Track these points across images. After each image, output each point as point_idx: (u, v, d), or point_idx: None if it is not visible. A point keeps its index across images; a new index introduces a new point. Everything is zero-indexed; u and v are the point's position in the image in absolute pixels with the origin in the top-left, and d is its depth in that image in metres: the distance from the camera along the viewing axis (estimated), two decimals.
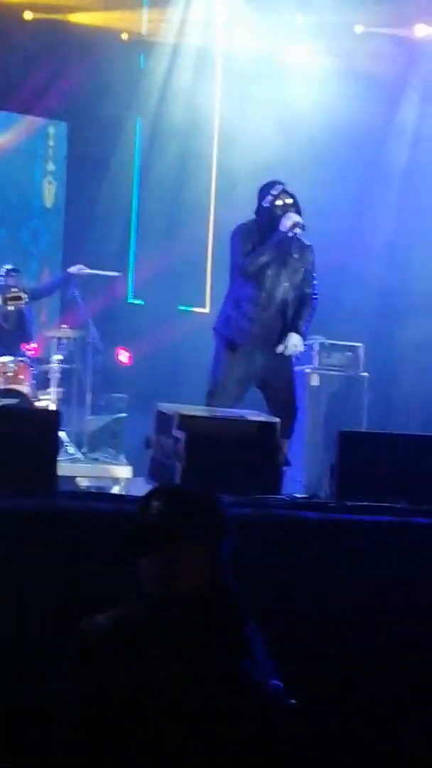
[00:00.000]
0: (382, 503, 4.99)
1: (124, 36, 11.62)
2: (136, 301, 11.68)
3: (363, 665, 4.41)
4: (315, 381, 9.01)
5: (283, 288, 7.04)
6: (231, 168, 11.39)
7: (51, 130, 11.85)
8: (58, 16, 11.33)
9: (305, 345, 9.17)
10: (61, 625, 3.21)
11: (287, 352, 7.06)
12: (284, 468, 5.65)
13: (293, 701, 2.98)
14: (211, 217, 11.72)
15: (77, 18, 11.42)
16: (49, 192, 11.82)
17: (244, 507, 4.49)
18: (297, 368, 9.16)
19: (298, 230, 6.96)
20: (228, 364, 7.03)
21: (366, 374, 9.40)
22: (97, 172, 11.46)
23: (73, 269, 9.84)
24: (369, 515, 4.85)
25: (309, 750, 3.57)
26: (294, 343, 7.05)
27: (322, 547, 4.53)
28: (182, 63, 11.49)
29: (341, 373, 9.25)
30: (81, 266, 9.79)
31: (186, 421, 5.47)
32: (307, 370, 9.03)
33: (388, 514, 4.87)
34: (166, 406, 5.79)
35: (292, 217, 6.94)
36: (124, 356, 10.69)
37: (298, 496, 5.49)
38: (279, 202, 6.99)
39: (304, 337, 7.18)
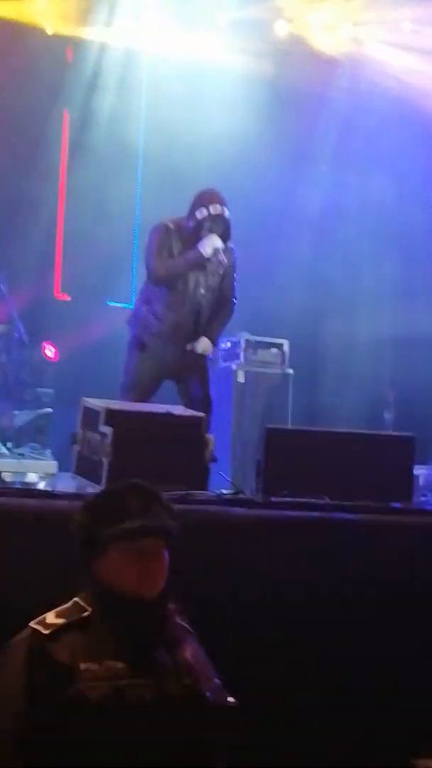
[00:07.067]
0: (306, 499, 5.06)
1: (49, 30, 11.56)
2: (63, 296, 11.62)
3: (289, 659, 4.47)
4: (241, 378, 9.05)
5: (199, 291, 6.96)
6: (157, 161, 11.39)
7: None
8: None
9: (231, 342, 9.28)
10: None
11: (196, 352, 7.01)
12: (211, 464, 5.67)
13: (232, 699, 3.03)
14: (138, 212, 11.71)
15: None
16: None
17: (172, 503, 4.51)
18: (223, 364, 9.26)
19: (219, 256, 6.84)
20: (139, 359, 6.99)
21: (291, 371, 9.45)
22: (21, 166, 11.37)
23: None
24: (294, 511, 4.92)
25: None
26: (203, 347, 7.01)
27: (248, 543, 4.58)
28: (109, 61, 11.48)
29: (267, 370, 9.30)
30: None
31: (113, 416, 5.46)
32: (233, 367, 9.07)
33: (312, 509, 4.94)
34: (93, 402, 5.77)
35: (212, 243, 6.82)
36: (50, 351, 10.63)
37: (224, 492, 5.52)
38: (208, 223, 6.85)
39: (214, 342, 7.14)
